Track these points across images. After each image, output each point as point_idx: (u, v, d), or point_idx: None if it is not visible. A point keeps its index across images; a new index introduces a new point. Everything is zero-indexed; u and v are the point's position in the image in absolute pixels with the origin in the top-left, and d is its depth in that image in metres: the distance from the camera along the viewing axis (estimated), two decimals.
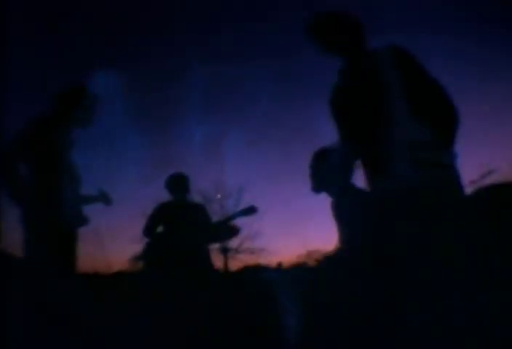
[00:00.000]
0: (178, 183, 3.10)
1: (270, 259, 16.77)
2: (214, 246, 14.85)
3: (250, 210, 3.02)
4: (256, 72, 16.24)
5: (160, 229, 3.04)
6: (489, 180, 4.14)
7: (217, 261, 15.96)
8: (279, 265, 11.72)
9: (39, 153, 1.90)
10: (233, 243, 16.90)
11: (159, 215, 3.07)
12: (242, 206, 3.15)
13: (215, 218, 3.33)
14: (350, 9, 1.69)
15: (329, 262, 2.17)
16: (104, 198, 2.30)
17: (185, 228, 2.91)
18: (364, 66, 1.47)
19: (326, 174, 1.70)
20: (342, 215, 1.67)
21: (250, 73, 16.07)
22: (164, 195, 3.20)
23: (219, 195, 17.28)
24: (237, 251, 17.52)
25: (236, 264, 16.92)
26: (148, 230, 3.01)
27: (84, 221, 2.05)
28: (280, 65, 16.43)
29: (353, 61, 1.52)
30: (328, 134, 1.75)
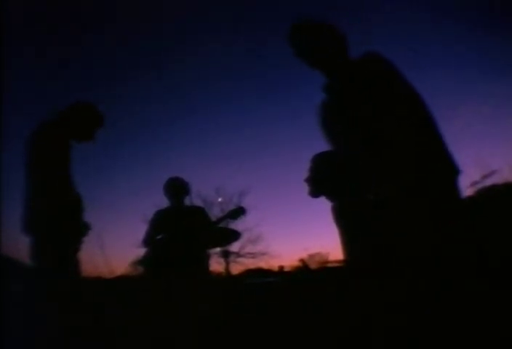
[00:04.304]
0: (175, 188, 3.02)
1: (272, 263, 16.66)
2: (216, 250, 14.77)
3: (238, 211, 2.91)
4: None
5: (159, 236, 2.97)
6: (490, 181, 4.08)
7: (219, 265, 15.91)
8: (281, 268, 11.67)
9: (42, 154, 1.88)
10: (235, 247, 16.84)
11: (157, 223, 3.00)
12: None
13: None
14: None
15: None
16: None
17: (183, 235, 2.83)
18: (345, 83, 1.43)
19: (330, 178, 1.64)
20: (347, 225, 1.60)
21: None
22: (165, 200, 3.12)
23: (220, 199, 17.22)
24: (238, 254, 17.45)
25: (237, 267, 16.86)
26: (147, 240, 2.95)
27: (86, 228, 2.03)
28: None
29: (336, 75, 1.47)
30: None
